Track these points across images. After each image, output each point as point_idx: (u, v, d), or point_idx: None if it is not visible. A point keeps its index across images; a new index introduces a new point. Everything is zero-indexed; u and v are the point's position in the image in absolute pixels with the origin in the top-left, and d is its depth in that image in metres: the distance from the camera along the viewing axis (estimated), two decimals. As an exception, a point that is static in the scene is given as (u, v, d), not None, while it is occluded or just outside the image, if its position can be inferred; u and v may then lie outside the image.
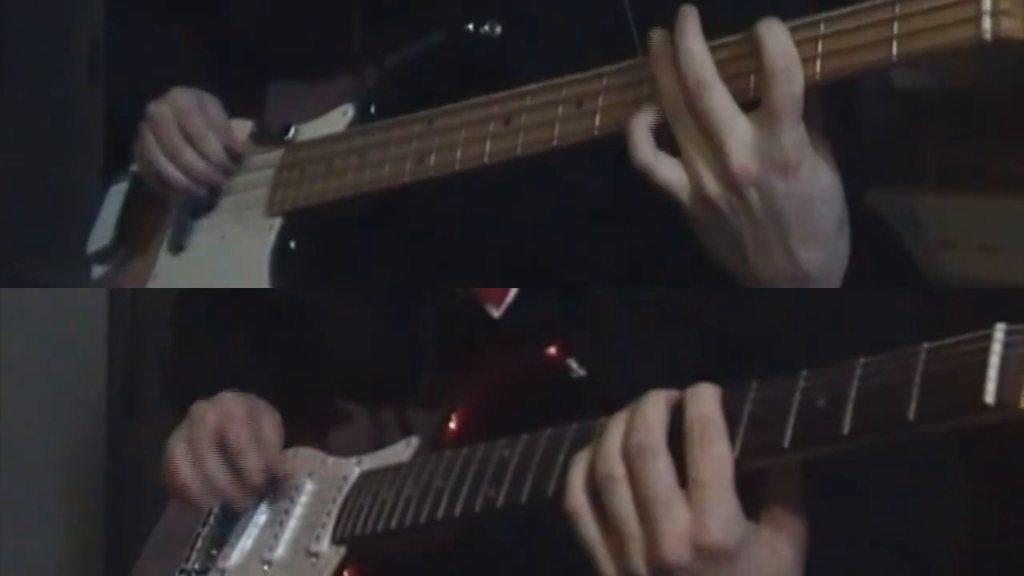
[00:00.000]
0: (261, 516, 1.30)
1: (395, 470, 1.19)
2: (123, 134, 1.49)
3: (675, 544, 0.91)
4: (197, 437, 1.30)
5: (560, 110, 1.15)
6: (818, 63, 1.03)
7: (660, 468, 0.93)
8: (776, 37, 1.02)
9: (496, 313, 1.20)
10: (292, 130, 1.40)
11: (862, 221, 1.10)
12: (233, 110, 1.45)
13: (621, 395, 1.01)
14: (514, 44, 1.26)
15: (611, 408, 1.00)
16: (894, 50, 1.00)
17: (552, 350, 1.17)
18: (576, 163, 1.21)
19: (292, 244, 1.37)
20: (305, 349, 1.41)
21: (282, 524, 1.27)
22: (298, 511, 1.27)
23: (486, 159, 1.20)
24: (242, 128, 1.45)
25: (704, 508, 0.91)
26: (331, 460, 1.28)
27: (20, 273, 2.06)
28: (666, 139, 1.08)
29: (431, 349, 1.28)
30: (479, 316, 1.21)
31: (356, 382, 1.34)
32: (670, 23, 1.08)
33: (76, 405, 2.39)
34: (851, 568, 1.09)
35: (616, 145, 1.10)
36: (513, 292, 1.21)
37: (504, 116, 1.19)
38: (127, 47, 1.62)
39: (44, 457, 2.35)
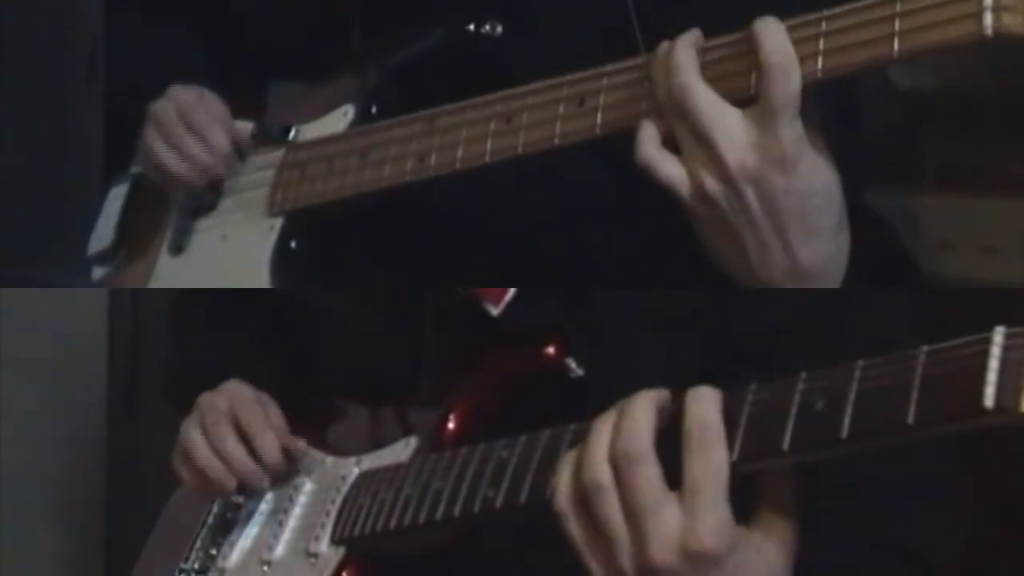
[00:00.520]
0: (260, 516, 1.30)
1: (394, 470, 1.19)
2: (123, 135, 1.49)
3: (662, 548, 0.91)
4: (213, 421, 1.30)
5: (561, 108, 1.15)
6: (819, 60, 1.03)
7: (648, 475, 0.93)
8: (773, 34, 1.03)
9: (495, 312, 1.20)
10: (293, 131, 1.40)
11: (862, 220, 1.10)
12: (234, 111, 1.45)
13: (620, 396, 1.01)
14: (515, 44, 1.26)
15: (610, 406, 1.00)
16: (896, 47, 1.00)
17: (550, 349, 1.17)
18: (577, 163, 1.21)
19: (293, 244, 1.37)
20: (305, 349, 1.41)
21: (281, 524, 1.27)
22: (297, 511, 1.27)
23: (487, 158, 1.20)
24: (243, 129, 1.45)
25: (697, 514, 0.91)
26: (330, 460, 1.29)
27: (20, 273, 2.06)
28: (672, 138, 1.08)
29: (431, 349, 1.28)
30: (478, 316, 1.21)
31: (355, 382, 1.34)
32: (672, 21, 1.09)
33: (76, 405, 2.39)
34: (852, 571, 1.09)
35: (617, 144, 1.10)
36: (512, 291, 1.21)
37: (505, 115, 1.19)
38: (128, 47, 1.62)
39: (44, 457, 2.35)
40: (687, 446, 0.92)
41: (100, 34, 1.92)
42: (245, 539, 1.30)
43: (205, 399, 1.33)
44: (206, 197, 1.45)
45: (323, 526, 1.22)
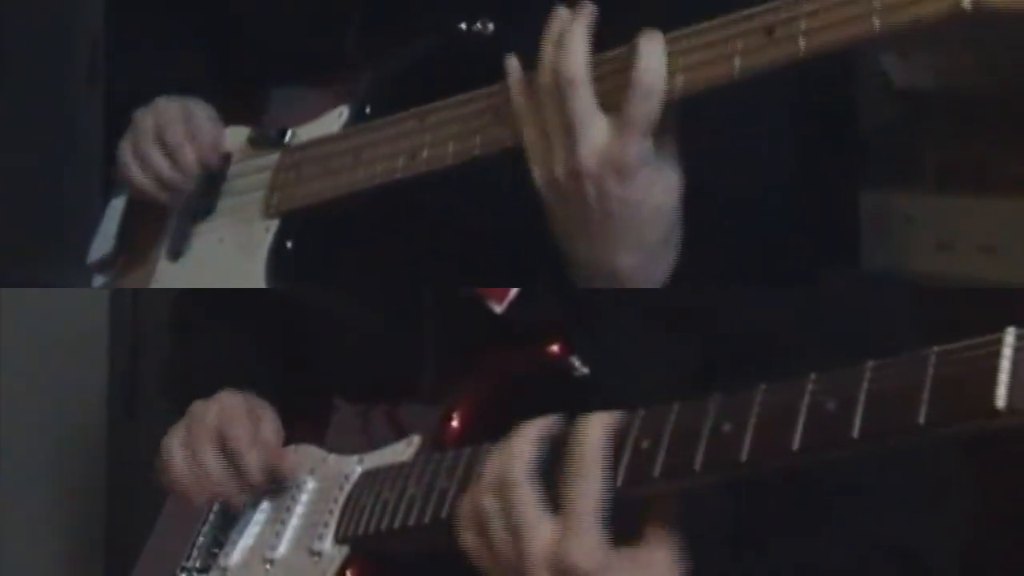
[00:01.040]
0: (262, 514, 1.30)
1: (397, 469, 1.19)
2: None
3: (537, 565, 0.98)
4: (195, 433, 1.30)
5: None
6: (801, 40, 1.03)
7: (523, 498, 1.00)
8: (649, 53, 1.09)
9: (498, 311, 1.21)
10: (289, 133, 1.41)
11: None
12: (233, 114, 1.45)
13: (622, 395, 1.02)
14: (507, 42, 1.26)
15: (612, 406, 1.02)
16: (876, 23, 1.00)
17: (553, 348, 1.17)
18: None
19: (289, 244, 1.38)
20: (305, 349, 1.41)
21: (284, 523, 1.27)
22: (300, 509, 1.27)
23: (477, 151, 1.21)
24: (240, 134, 1.45)
25: (568, 533, 0.97)
26: (332, 458, 1.28)
27: (20, 273, 2.06)
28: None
29: (433, 348, 1.28)
30: (481, 315, 1.21)
31: (357, 381, 1.34)
32: (653, 18, 1.10)
33: (76, 405, 2.38)
34: (851, 572, 1.09)
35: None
36: (514, 291, 1.21)
37: (494, 108, 1.19)
38: (128, 48, 1.62)
39: (44, 457, 2.34)
40: (566, 470, 0.99)
41: (100, 34, 1.92)
42: (247, 537, 1.30)
43: (197, 408, 1.33)
44: (203, 201, 1.45)
45: (326, 525, 1.22)
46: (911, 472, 1.08)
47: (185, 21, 1.56)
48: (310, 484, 1.28)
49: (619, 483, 0.98)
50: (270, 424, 1.30)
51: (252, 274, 1.37)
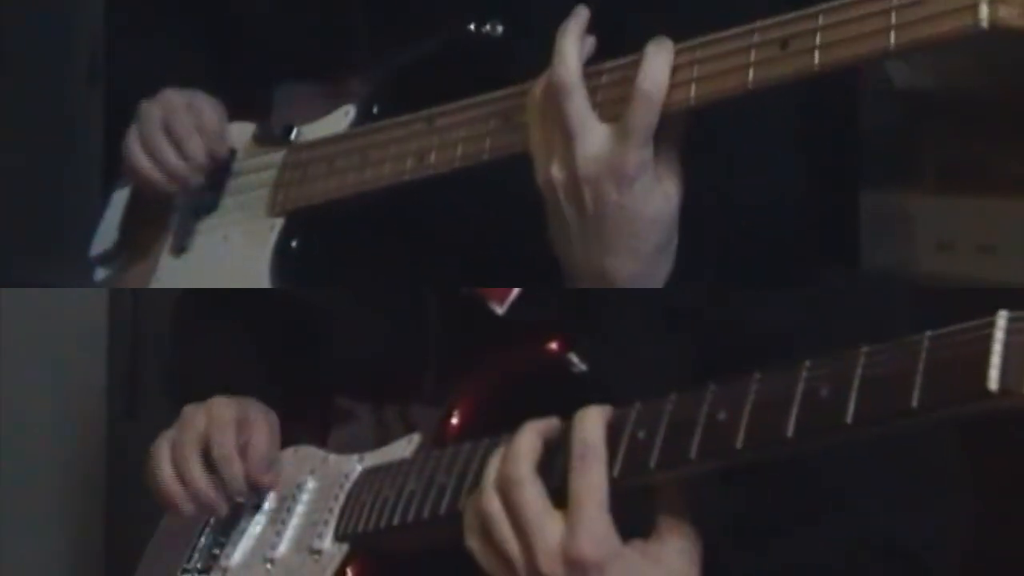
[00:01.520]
0: (263, 515, 1.30)
1: (397, 466, 1.19)
2: (124, 135, 1.49)
3: (547, 559, 0.98)
4: (181, 442, 1.29)
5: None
6: (816, 54, 1.03)
7: (529, 495, 1.00)
8: (654, 61, 1.10)
9: (499, 311, 1.21)
10: (294, 131, 1.41)
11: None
12: (237, 112, 1.45)
13: (622, 395, 1.02)
14: (515, 44, 1.27)
15: (611, 403, 1.02)
16: (892, 40, 1.00)
17: (552, 345, 1.17)
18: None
19: (294, 244, 1.38)
20: (307, 348, 1.41)
21: (284, 522, 1.27)
22: (300, 509, 1.27)
23: (486, 155, 1.21)
24: (245, 130, 1.45)
25: (576, 525, 0.98)
26: (332, 458, 1.29)
27: (20, 273, 2.06)
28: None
29: (434, 347, 1.28)
30: (482, 314, 1.21)
31: (358, 380, 1.34)
32: (664, 23, 1.10)
33: (76, 405, 2.38)
34: (848, 570, 1.09)
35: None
36: (515, 291, 1.22)
37: (504, 113, 1.19)
38: (128, 47, 1.62)
39: (44, 457, 2.34)
40: (570, 465, 0.99)
41: (100, 34, 1.92)
42: (248, 538, 1.30)
43: (187, 413, 1.32)
44: (207, 197, 1.45)
45: (326, 523, 1.22)
46: (909, 470, 1.08)
47: (186, 20, 1.56)
48: (310, 484, 1.28)
49: (616, 474, 0.99)
50: (262, 432, 1.29)
51: (256, 272, 1.37)
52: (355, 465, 1.25)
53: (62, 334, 2.35)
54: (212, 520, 1.34)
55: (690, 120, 1.12)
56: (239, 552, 1.30)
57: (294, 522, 1.26)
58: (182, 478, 1.28)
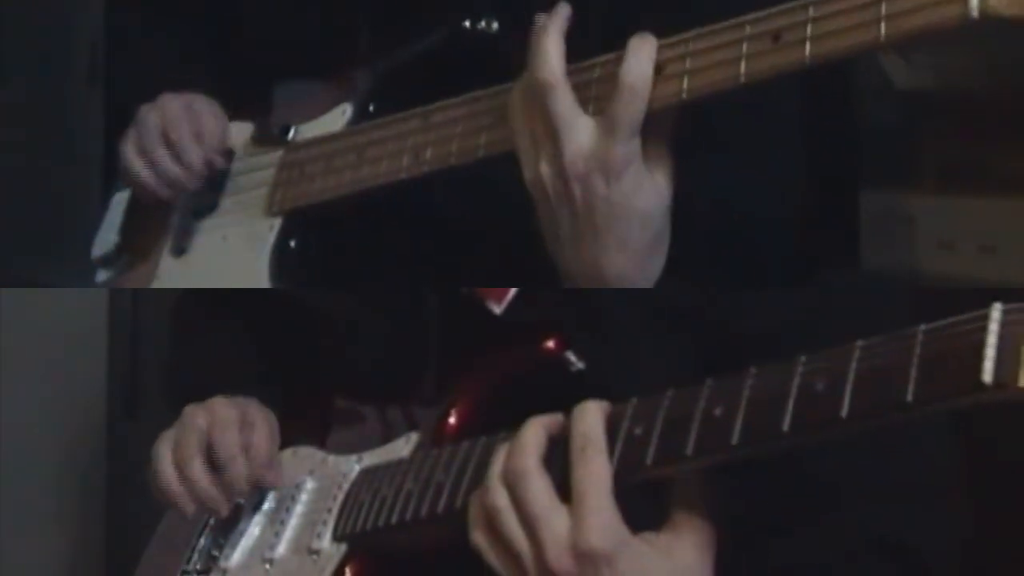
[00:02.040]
0: (262, 515, 1.30)
1: (395, 466, 1.19)
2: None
3: (556, 552, 0.98)
4: (184, 442, 1.29)
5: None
6: (807, 46, 1.03)
7: (535, 488, 1.00)
8: (637, 55, 1.10)
9: (497, 311, 1.21)
10: (292, 130, 1.41)
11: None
12: (237, 111, 1.45)
13: (620, 393, 1.02)
14: (510, 40, 1.27)
15: (609, 401, 1.02)
16: (882, 31, 1.00)
17: (550, 344, 1.17)
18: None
19: (292, 243, 1.38)
20: (305, 348, 1.41)
21: (283, 523, 1.27)
22: (299, 509, 1.27)
23: (481, 152, 1.21)
24: (243, 130, 1.45)
25: (582, 517, 0.97)
26: (331, 458, 1.29)
27: (20, 273, 2.06)
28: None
29: (433, 347, 1.28)
30: (480, 314, 1.21)
31: (356, 380, 1.34)
32: (656, 20, 1.10)
33: (76, 405, 2.38)
34: (848, 568, 1.09)
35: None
36: (513, 291, 1.22)
37: (499, 109, 1.19)
38: (128, 47, 1.62)
39: (44, 457, 2.34)
40: (572, 458, 0.99)
41: (100, 34, 1.92)
42: (247, 538, 1.30)
43: (187, 414, 1.32)
44: (207, 198, 1.45)
45: (325, 523, 1.22)
46: (909, 469, 1.08)
47: (186, 19, 1.56)
48: (309, 484, 1.28)
49: (613, 471, 0.99)
50: (263, 432, 1.30)
51: (255, 272, 1.37)
52: (353, 465, 1.25)
53: (62, 334, 2.35)
54: (211, 521, 1.34)
55: (682, 114, 1.12)
56: (238, 553, 1.30)
57: (293, 522, 1.26)
58: (185, 478, 1.28)
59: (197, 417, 1.31)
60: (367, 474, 1.22)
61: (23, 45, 2.18)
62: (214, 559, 1.31)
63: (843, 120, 1.32)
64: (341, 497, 1.23)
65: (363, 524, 1.18)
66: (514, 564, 1.01)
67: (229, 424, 1.29)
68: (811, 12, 1.04)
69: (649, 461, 0.98)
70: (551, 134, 1.12)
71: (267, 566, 1.26)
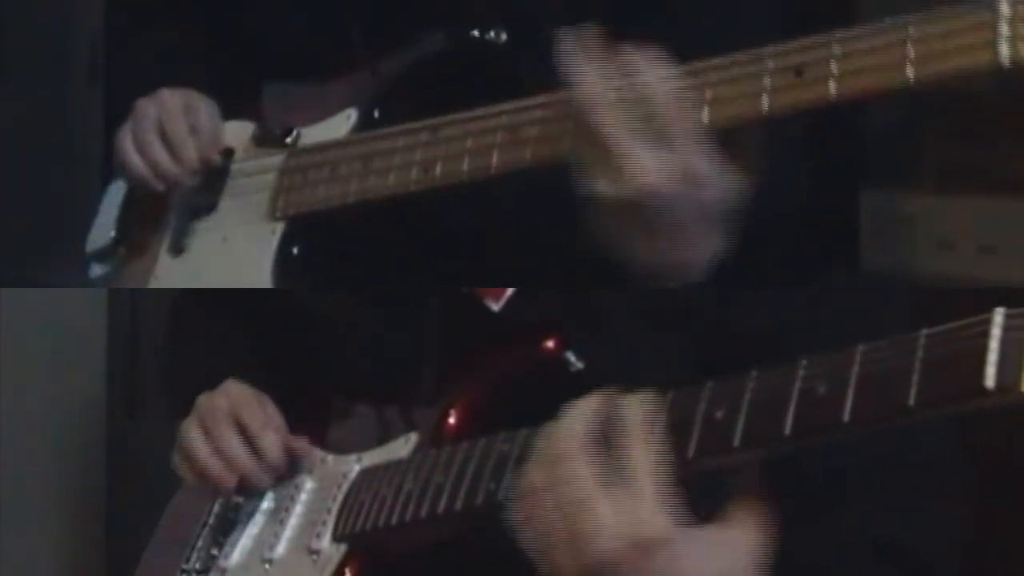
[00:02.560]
0: (261, 515, 1.31)
1: (395, 466, 1.19)
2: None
3: (599, 538, 0.96)
4: (213, 420, 1.31)
5: (571, 124, 1.14)
6: (832, 84, 1.03)
7: (576, 471, 0.98)
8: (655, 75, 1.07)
9: (495, 308, 1.21)
10: (294, 133, 1.40)
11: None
12: (234, 111, 1.45)
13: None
14: (519, 50, 1.26)
15: None
16: (910, 73, 1.00)
17: (549, 343, 1.17)
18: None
19: (295, 249, 1.37)
20: (305, 349, 1.41)
21: (282, 523, 1.27)
22: (298, 509, 1.27)
23: (492, 170, 1.20)
24: (243, 130, 1.45)
25: (631, 502, 0.96)
26: (331, 458, 1.29)
27: (20, 273, 2.06)
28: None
29: (432, 347, 1.28)
30: (480, 314, 1.21)
31: (356, 380, 1.34)
32: (662, 33, 1.10)
33: (76, 405, 2.38)
34: (847, 567, 1.09)
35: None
36: (511, 291, 1.22)
37: (512, 127, 1.19)
38: (128, 47, 1.62)
39: (44, 457, 2.34)
40: (621, 443, 0.97)
41: (100, 34, 1.92)
42: (246, 538, 1.30)
43: (204, 400, 1.33)
44: (206, 198, 1.45)
45: (324, 523, 1.22)
46: (910, 469, 1.08)
47: (184, 19, 1.56)
48: (308, 484, 1.28)
49: (692, 454, 0.97)
50: (276, 411, 1.32)
51: (256, 276, 1.37)
52: (353, 465, 1.25)
53: (62, 334, 2.35)
54: (211, 521, 1.34)
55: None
56: (237, 552, 1.30)
57: (292, 522, 1.26)
58: (221, 454, 1.30)
59: (217, 399, 1.33)
60: (367, 474, 1.23)
61: (23, 45, 2.18)
62: (213, 558, 1.32)
63: (844, 120, 1.32)
64: (341, 497, 1.23)
65: (363, 524, 1.18)
66: (559, 549, 0.98)
67: (250, 400, 1.32)
68: (835, 49, 1.03)
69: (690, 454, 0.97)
70: (653, 147, 1.09)
71: (266, 566, 1.26)
